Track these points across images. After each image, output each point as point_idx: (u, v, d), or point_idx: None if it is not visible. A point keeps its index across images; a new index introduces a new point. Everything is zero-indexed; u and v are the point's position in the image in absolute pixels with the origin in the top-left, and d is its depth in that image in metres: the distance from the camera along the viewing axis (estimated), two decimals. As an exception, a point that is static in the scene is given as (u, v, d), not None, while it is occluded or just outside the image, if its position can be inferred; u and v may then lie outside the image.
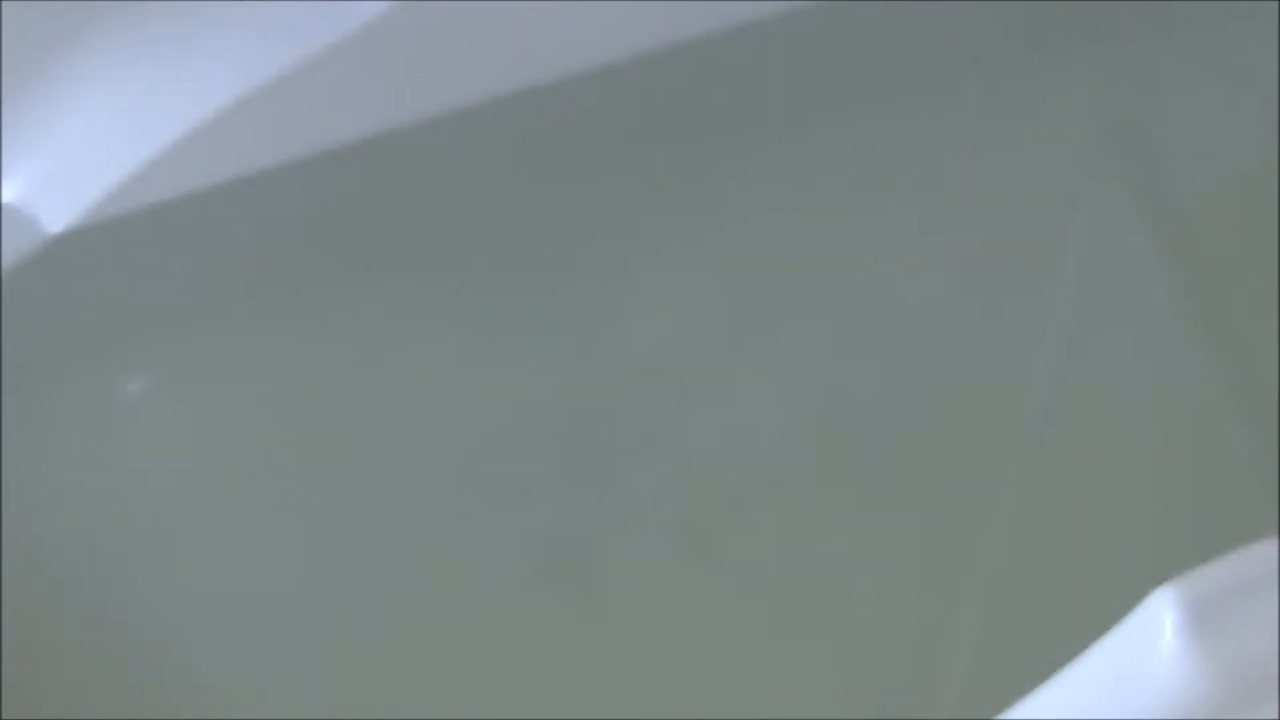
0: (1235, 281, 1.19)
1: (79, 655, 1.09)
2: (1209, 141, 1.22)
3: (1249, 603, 0.67)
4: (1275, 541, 0.68)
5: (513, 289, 1.18)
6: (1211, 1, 1.24)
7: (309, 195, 1.17)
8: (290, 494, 1.13)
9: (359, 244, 1.19)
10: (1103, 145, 1.23)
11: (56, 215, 1.13)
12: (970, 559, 1.11)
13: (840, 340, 1.17)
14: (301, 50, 1.12)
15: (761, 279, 1.18)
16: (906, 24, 1.22)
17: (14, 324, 1.13)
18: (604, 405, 1.15)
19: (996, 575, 1.10)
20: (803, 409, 1.15)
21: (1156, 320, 1.18)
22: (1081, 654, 0.71)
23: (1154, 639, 0.67)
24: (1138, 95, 1.24)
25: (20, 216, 1.13)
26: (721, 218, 1.20)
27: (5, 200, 1.13)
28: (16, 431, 1.12)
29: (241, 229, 1.17)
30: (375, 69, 1.14)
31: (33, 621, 1.08)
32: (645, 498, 1.13)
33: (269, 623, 1.10)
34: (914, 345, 1.16)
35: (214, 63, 1.12)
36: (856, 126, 1.22)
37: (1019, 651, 1.05)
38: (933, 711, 1.07)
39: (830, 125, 1.22)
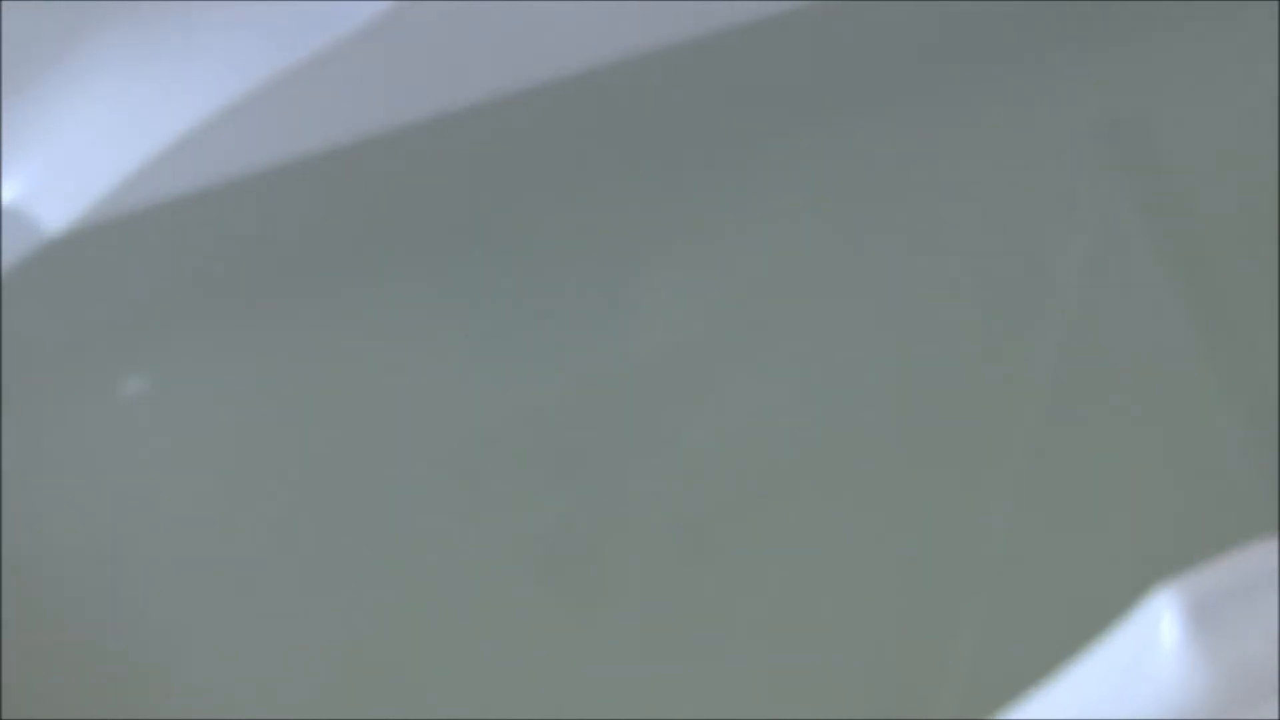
0: (1235, 281, 1.18)
1: (78, 654, 1.09)
2: (1210, 141, 1.22)
3: (1249, 603, 0.67)
4: (1275, 541, 0.68)
5: (512, 289, 1.18)
6: (1211, 1, 1.24)
7: (309, 195, 1.17)
8: (289, 493, 1.13)
9: (359, 244, 1.19)
10: (1103, 145, 1.23)
11: (56, 216, 1.13)
12: (970, 558, 1.11)
13: (840, 340, 1.17)
14: (301, 50, 1.12)
15: (761, 279, 1.18)
16: (906, 24, 1.22)
17: (14, 324, 1.13)
18: (604, 405, 1.15)
19: (997, 574, 1.10)
20: (802, 409, 1.15)
21: (1156, 320, 1.18)
22: (1082, 653, 0.71)
23: (1154, 639, 0.67)
24: (1138, 95, 1.24)
25: (20, 217, 1.13)
26: (720, 218, 1.20)
27: (5, 200, 1.13)
28: (16, 431, 1.12)
29: (241, 229, 1.17)
30: (375, 69, 1.14)
31: (32, 621, 1.08)
32: (645, 498, 1.13)
33: (267, 622, 1.10)
34: (914, 345, 1.16)
35: (214, 63, 1.12)
36: (856, 126, 1.22)
37: (1019, 651, 1.05)
38: (933, 711, 1.07)
39: (829, 125, 1.22)
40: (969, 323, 1.17)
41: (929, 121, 1.22)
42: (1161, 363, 1.17)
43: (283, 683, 1.08)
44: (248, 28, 1.12)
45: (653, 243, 1.20)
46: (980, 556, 1.11)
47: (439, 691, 1.08)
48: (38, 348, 1.14)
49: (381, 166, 1.17)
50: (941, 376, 1.16)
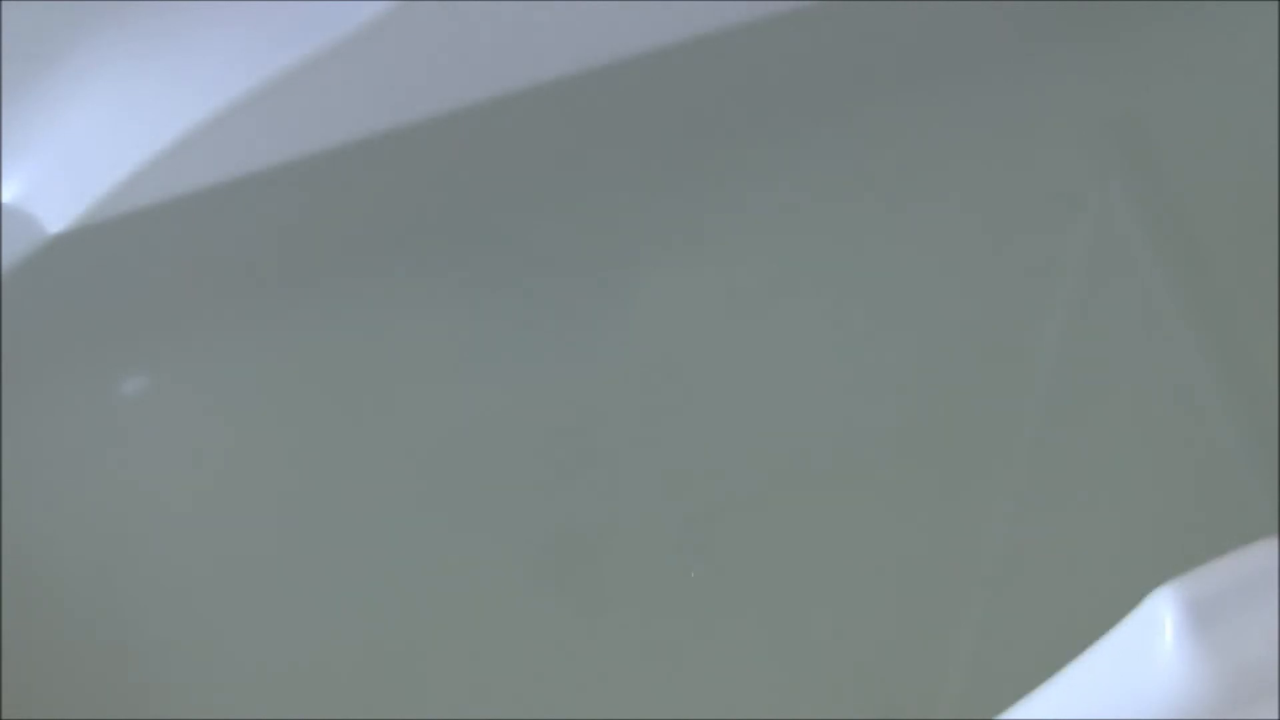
0: (1235, 281, 1.19)
1: (78, 653, 1.09)
2: (1210, 140, 1.22)
3: (1249, 603, 0.67)
4: (1275, 541, 0.68)
5: (513, 289, 1.18)
6: (1211, 1, 1.24)
7: (309, 195, 1.17)
8: (288, 493, 1.13)
9: (358, 244, 1.19)
10: (1102, 144, 1.23)
11: (56, 215, 1.13)
12: (970, 559, 1.11)
13: (840, 339, 1.17)
14: (301, 50, 1.12)
15: (760, 279, 1.18)
16: (906, 24, 1.22)
17: (14, 324, 1.13)
18: (604, 405, 1.15)
19: (996, 575, 1.10)
20: (802, 408, 1.15)
21: (1156, 319, 1.18)
22: (1081, 654, 0.71)
23: (1154, 639, 0.67)
24: (1138, 94, 1.24)
25: (20, 216, 1.13)
26: (721, 217, 1.20)
27: (5, 200, 1.14)
28: (16, 431, 1.12)
29: (241, 229, 1.17)
30: (375, 69, 1.14)
31: (32, 620, 1.08)
32: (644, 497, 1.13)
33: (266, 620, 1.10)
34: (914, 344, 1.16)
35: (214, 63, 1.12)
36: (857, 126, 1.22)
37: (1019, 651, 1.05)
38: (933, 711, 1.07)
39: (830, 125, 1.22)
40: (968, 322, 1.17)
41: (928, 122, 1.22)
42: (1161, 362, 1.17)
43: (280, 680, 1.08)
44: (248, 28, 1.12)
45: (652, 242, 1.20)
46: (980, 556, 1.11)
47: (438, 690, 1.08)
48: (38, 348, 1.14)
49: (381, 166, 1.17)
50: (941, 376, 1.16)
